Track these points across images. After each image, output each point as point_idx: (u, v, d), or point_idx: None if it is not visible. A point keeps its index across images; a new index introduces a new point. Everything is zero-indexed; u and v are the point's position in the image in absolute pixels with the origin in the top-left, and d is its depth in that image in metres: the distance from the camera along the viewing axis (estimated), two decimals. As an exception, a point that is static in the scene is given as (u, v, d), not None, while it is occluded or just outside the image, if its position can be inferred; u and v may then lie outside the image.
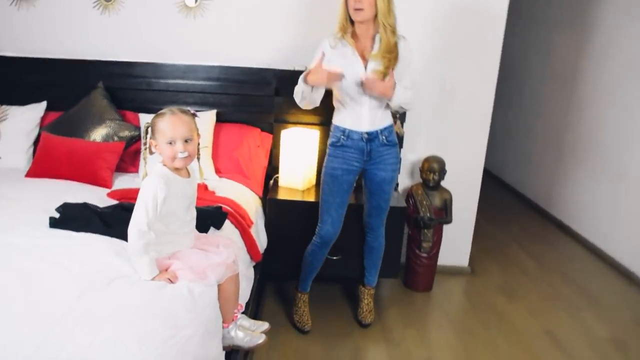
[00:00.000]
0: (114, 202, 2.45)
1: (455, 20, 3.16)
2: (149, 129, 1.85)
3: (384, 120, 2.52)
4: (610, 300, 3.31)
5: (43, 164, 2.85)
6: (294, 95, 2.48)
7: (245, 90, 3.18)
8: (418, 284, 3.26)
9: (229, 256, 1.95)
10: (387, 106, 2.51)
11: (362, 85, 2.37)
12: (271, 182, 3.18)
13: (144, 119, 3.02)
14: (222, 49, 3.20)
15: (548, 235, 4.43)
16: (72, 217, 2.11)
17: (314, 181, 3.13)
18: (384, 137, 2.52)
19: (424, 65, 3.20)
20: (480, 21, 3.15)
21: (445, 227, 3.29)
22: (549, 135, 4.97)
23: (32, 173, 2.83)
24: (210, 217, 2.28)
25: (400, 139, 3.20)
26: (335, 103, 2.54)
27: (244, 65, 3.17)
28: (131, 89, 3.19)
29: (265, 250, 2.87)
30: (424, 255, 3.20)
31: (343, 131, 2.49)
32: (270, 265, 2.95)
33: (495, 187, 5.76)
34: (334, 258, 2.92)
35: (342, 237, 2.78)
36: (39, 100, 3.18)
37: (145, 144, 1.89)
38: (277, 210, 2.89)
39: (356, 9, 2.30)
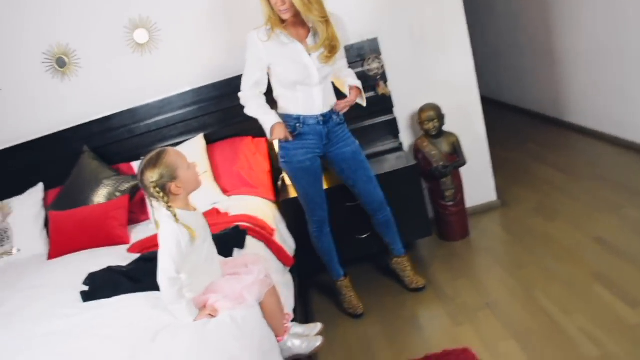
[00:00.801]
0: (136, 255, 2.44)
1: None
2: (161, 180, 1.75)
3: (333, 99, 2.50)
4: (648, 186, 3.21)
5: (60, 242, 2.85)
6: (246, 111, 2.50)
7: (224, 104, 3.13)
8: (454, 233, 3.21)
9: (260, 272, 1.93)
10: (332, 85, 2.52)
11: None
12: (279, 183, 3.14)
13: (136, 167, 2.99)
14: (189, 73, 3.15)
15: (567, 142, 4.34)
16: (101, 286, 2.10)
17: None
18: (336, 117, 2.49)
19: (387, 20, 3.13)
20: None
21: (463, 170, 3.22)
22: (535, 43, 4.84)
23: (53, 254, 2.84)
24: (230, 239, 2.26)
25: (389, 98, 3.14)
26: (279, 94, 2.46)
27: (213, 80, 3.12)
28: (115, 142, 3.17)
29: (296, 250, 2.85)
30: (451, 203, 3.14)
31: (297, 118, 2.42)
32: (306, 263, 2.92)
33: (497, 111, 5.66)
34: (363, 237, 2.89)
35: (364, 214, 2.74)
36: (34, 184, 3.18)
37: (162, 198, 1.77)
38: (293, 210, 2.84)
39: (281, 10, 2.23)
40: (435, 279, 2.87)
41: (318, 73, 2.36)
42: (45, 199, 3.14)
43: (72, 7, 3.05)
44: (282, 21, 2.32)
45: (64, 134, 3.16)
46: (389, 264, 2.89)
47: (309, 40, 2.36)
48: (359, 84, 2.52)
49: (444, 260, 3.05)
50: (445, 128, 3.16)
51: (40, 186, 3.17)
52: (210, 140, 3.12)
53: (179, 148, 3.02)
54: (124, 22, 3.07)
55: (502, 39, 5.48)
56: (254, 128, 3.14)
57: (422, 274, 2.88)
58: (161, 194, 1.75)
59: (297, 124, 2.42)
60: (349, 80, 2.52)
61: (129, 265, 2.26)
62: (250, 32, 2.37)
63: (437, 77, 3.25)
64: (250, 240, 2.34)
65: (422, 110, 3.11)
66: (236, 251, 2.24)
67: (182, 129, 3.17)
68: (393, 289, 2.89)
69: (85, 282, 2.17)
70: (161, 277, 1.74)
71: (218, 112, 3.15)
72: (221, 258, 2.06)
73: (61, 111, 3.20)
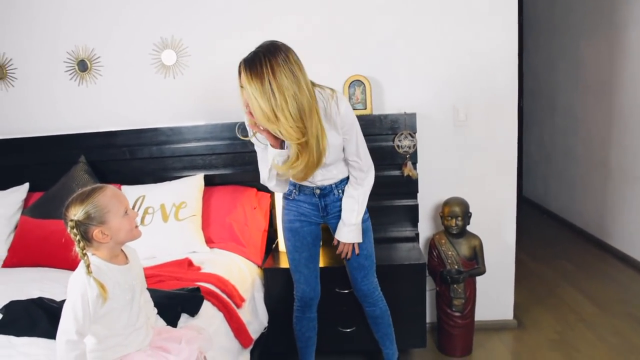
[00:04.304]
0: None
1: (461, 41, 2.80)
2: (85, 221, 1.46)
3: (339, 174, 2.15)
4: (692, 347, 2.73)
5: (19, 251, 2.62)
6: (262, 180, 2.13)
7: (235, 148, 2.87)
8: (454, 348, 2.78)
9: (191, 355, 1.59)
10: (343, 161, 2.13)
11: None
12: (273, 246, 2.83)
13: (128, 191, 2.75)
14: (207, 106, 2.93)
15: (606, 269, 3.87)
16: (16, 319, 1.80)
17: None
18: (339, 192, 2.17)
19: (430, 96, 2.85)
20: (490, 37, 2.79)
21: (481, 278, 2.83)
22: (592, 153, 4.46)
23: (9, 262, 2.60)
24: (182, 302, 1.93)
25: (414, 182, 2.82)
26: None
27: (231, 120, 2.88)
28: (114, 160, 2.95)
29: (269, 327, 2.50)
30: (458, 314, 2.74)
31: (294, 184, 2.16)
32: (274, 343, 2.56)
33: (539, 217, 5.22)
34: (347, 330, 2.51)
35: (353, 305, 2.39)
36: (20, 182, 2.97)
37: (77, 242, 1.46)
38: (276, 281, 2.51)
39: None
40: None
41: None
42: (25, 201, 2.92)
43: (107, 11, 2.91)
44: None
45: (65, 139, 2.97)
46: None
47: None
48: (352, 236, 2.13)
49: (435, 377, 2.63)
50: (470, 228, 2.79)
51: (25, 186, 2.96)
52: (210, 183, 2.86)
53: (175, 183, 2.81)
54: (155, 39, 2.90)
55: (558, 142, 5.10)
56: (259, 180, 2.89)
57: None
58: (78, 237, 1.45)
59: (293, 190, 2.18)
60: (342, 213, 2.15)
61: (63, 301, 1.96)
62: None
63: (473, 168, 2.91)
64: (206, 309, 2.01)
65: (446, 203, 2.76)
66: (185, 317, 1.91)
67: (185, 163, 2.92)
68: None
69: (1, 310, 1.87)
70: (59, 338, 1.42)
71: (228, 154, 2.89)
72: (160, 324, 1.74)
73: (69, 115, 3.02)
